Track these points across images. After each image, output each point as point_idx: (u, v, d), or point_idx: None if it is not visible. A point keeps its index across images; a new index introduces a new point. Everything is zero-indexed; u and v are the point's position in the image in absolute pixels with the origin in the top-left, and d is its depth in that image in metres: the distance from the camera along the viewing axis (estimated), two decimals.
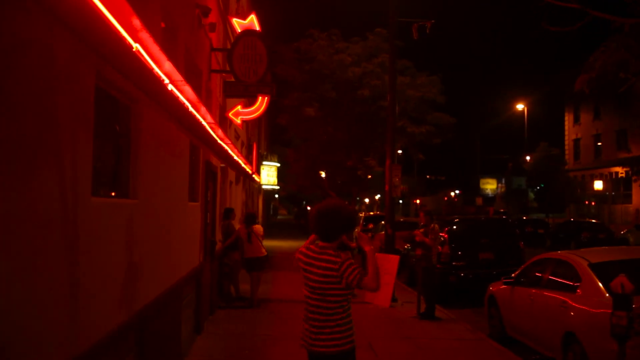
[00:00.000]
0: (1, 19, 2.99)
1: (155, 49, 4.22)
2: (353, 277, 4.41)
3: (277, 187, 45.70)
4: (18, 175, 3.19)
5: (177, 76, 4.97)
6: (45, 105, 3.55)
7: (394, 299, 13.36)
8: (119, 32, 3.49)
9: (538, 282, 9.32)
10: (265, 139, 44.24)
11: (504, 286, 10.38)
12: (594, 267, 8.05)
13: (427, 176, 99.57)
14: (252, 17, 12.87)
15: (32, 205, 3.35)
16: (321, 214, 4.66)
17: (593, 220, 35.00)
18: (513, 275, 10.35)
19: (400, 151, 29.65)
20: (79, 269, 4.07)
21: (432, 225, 12.28)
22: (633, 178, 42.12)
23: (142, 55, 4.00)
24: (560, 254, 9.48)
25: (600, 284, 7.59)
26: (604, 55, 5.59)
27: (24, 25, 3.24)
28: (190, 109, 5.94)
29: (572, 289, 8.12)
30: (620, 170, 47.19)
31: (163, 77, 4.60)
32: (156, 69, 4.37)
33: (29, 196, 3.31)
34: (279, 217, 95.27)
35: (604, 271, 7.81)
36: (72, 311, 4.00)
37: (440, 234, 14.67)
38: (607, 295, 7.11)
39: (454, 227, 15.74)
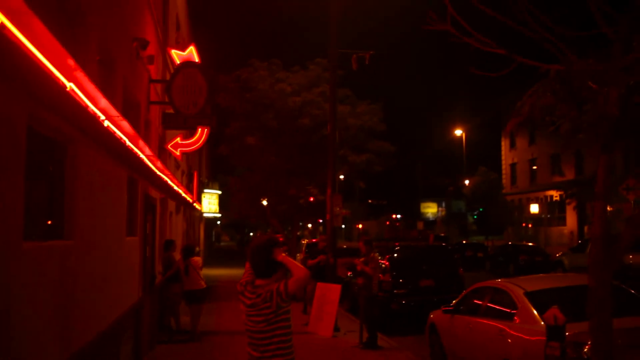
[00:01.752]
0: None
1: (91, 86, 4.19)
2: (278, 290, 4.50)
3: (219, 215, 45.37)
4: None
5: (114, 112, 4.94)
6: None
7: (336, 329, 13.38)
8: (52, 73, 3.47)
9: (477, 311, 9.48)
10: (207, 166, 43.97)
11: (444, 314, 10.51)
12: (529, 295, 8.24)
13: (369, 201, 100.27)
14: (191, 49, 12.86)
15: None
16: (252, 252, 4.78)
17: (530, 244, 35.86)
18: (453, 303, 10.49)
19: (342, 176, 29.81)
20: (9, 319, 3.96)
21: (372, 254, 12.37)
22: (567, 201, 43.38)
23: (77, 94, 3.97)
24: (497, 282, 9.67)
25: (536, 312, 7.76)
26: (531, 99, 5.83)
27: None
28: (128, 143, 5.89)
29: (509, 317, 8.29)
30: (554, 194, 48.57)
31: (99, 113, 4.57)
32: (91, 107, 4.34)
33: None
34: (222, 243, 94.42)
35: (539, 299, 8.01)
36: None
37: (381, 261, 14.81)
38: (542, 323, 7.29)
39: (395, 254, 15.88)
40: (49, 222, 5.41)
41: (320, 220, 61.65)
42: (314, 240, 27.87)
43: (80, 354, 5.79)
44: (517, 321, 8.06)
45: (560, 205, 48.31)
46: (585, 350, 6.67)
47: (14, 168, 4.08)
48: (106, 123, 4.83)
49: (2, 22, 2.76)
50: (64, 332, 5.32)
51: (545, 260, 30.38)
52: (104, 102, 4.55)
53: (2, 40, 2.86)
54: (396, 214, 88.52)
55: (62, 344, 5.26)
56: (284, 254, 4.74)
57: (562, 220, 48.85)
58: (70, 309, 5.50)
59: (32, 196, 4.69)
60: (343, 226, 69.89)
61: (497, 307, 8.91)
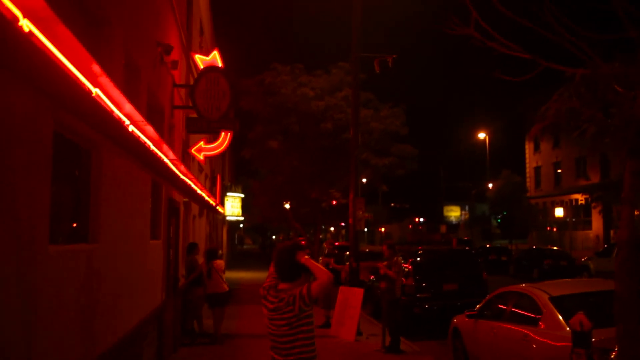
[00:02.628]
0: None
1: (116, 92, 4.23)
2: (301, 294, 4.51)
3: (242, 218, 45.51)
4: None
5: (138, 117, 4.98)
6: None
7: (359, 333, 13.35)
8: (78, 79, 3.50)
9: (501, 315, 9.41)
10: (230, 169, 44.16)
11: (467, 319, 10.44)
12: (554, 300, 8.16)
13: (392, 204, 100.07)
14: (214, 54, 12.92)
15: None
16: (276, 256, 4.83)
17: (555, 248, 35.52)
18: (476, 307, 10.42)
19: (364, 180, 29.76)
20: (37, 321, 4.01)
21: (395, 258, 12.35)
22: (592, 205, 42.93)
23: (102, 100, 4.00)
24: (521, 287, 9.58)
25: (561, 318, 7.69)
26: (556, 104, 5.77)
27: None
28: (152, 147, 5.93)
29: (534, 322, 8.22)
30: (580, 198, 48.10)
31: (124, 118, 4.61)
32: (116, 112, 4.37)
33: None
34: (244, 246, 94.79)
35: (564, 304, 7.94)
36: None
37: (404, 265, 14.75)
38: (568, 329, 7.21)
39: (418, 258, 15.82)
40: (74, 226, 5.47)
41: (343, 224, 61.63)
42: (336, 243, 27.83)
43: (104, 356, 5.84)
44: (542, 327, 7.98)
45: (586, 209, 47.84)
46: (612, 357, 6.59)
47: (41, 173, 4.14)
48: (131, 128, 4.86)
49: (30, 30, 2.79)
50: (88, 335, 5.36)
51: (571, 265, 30.06)
52: (128, 107, 4.59)
53: (29, 47, 2.89)
54: (419, 218, 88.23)
55: (86, 347, 5.31)
56: (307, 257, 4.75)
57: (588, 224, 48.34)
58: (95, 311, 5.55)
59: (58, 200, 4.75)
60: (366, 230, 69.82)
61: (522, 312, 8.83)
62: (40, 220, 4.10)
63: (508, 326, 8.94)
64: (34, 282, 3.98)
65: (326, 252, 12.54)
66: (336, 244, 26.32)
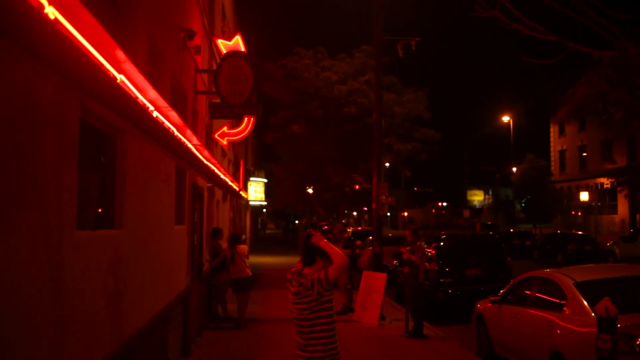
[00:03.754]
0: None
1: (140, 78, 4.24)
2: (319, 278, 4.61)
3: (265, 203, 45.67)
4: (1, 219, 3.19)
5: (162, 102, 5.00)
6: (29, 147, 3.56)
7: (382, 317, 13.38)
8: (103, 65, 3.51)
9: (525, 301, 9.36)
10: (253, 154, 44.25)
11: (491, 304, 10.41)
12: (579, 285, 8.09)
13: (415, 188, 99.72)
14: (237, 39, 12.92)
15: (15, 247, 3.35)
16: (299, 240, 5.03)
17: (580, 232, 35.20)
18: (500, 293, 10.38)
19: (387, 164, 29.71)
20: (65, 307, 4.07)
21: (419, 243, 12.33)
22: (618, 189, 42.44)
23: (127, 86, 4.02)
24: (546, 272, 9.52)
25: (586, 303, 7.63)
26: (584, 87, 5.68)
27: (4, 70, 3.25)
28: (176, 133, 5.96)
29: (559, 308, 8.16)
30: (605, 181, 47.55)
31: (148, 104, 4.63)
32: (141, 98, 4.39)
33: (12, 239, 3.31)
34: (267, 231, 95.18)
35: (589, 290, 7.87)
36: (60, 349, 3.99)
37: (428, 250, 14.73)
38: (593, 314, 7.16)
39: (441, 243, 15.77)
40: (100, 212, 5.53)
41: (365, 208, 61.63)
42: (358, 228, 27.77)
43: (131, 340, 5.91)
44: (567, 312, 7.93)
45: (611, 193, 47.32)
46: (638, 342, 6.54)
47: (68, 159, 4.18)
48: (155, 114, 4.89)
49: (55, 17, 2.81)
50: (116, 319, 5.43)
51: (595, 250, 29.76)
52: (152, 93, 4.60)
53: (56, 35, 2.91)
54: (442, 202, 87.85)
55: (114, 331, 5.38)
56: (325, 240, 4.79)
57: (613, 209, 47.81)
58: (121, 296, 5.62)
59: (84, 186, 4.79)
60: (388, 214, 69.72)
61: (546, 298, 8.78)
62: (68, 206, 4.15)
63: (532, 311, 8.89)
64: (63, 267, 4.04)
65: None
66: (358, 229, 26.28)
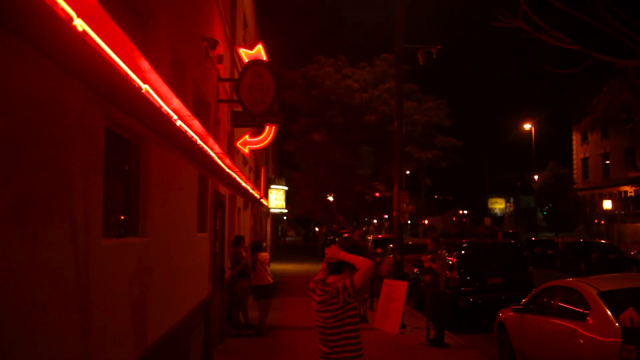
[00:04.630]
0: (12, 77, 3.06)
1: (164, 87, 4.31)
2: (344, 286, 4.57)
3: (285, 211, 45.75)
4: (29, 229, 3.25)
5: (185, 111, 5.06)
6: (56, 157, 3.62)
7: (402, 326, 13.34)
8: (128, 75, 3.58)
9: (547, 310, 9.29)
10: (274, 162, 44.38)
11: (512, 313, 10.34)
12: (603, 295, 8.01)
13: (435, 196, 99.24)
14: (259, 47, 13.01)
15: (45, 256, 3.40)
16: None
17: (602, 241, 34.78)
18: (522, 302, 10.31)
19: (408, 172, 29.65)
20: (92, 313, 4.12)
21: (440, 251, 12.30)
22: None
23: (151, 96, 4.09)
24: (569, 281, 9.44)
25: (610, 313, 7.56)
26: (608, 96, 5.65)
27: (35, 81, 3.31)
28: (199, 141, 6.04)
29: (582, 318, 8.09)
30: (629, 189, 47.04)
31: (171, 113, 4.70)
32: (165, 107, 4.46)
33: (42, 247, 3.36)
34: (287, 238, 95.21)
35: (613, 299, 7.79)
36: (87, 355, 4.05)
37: (449, 259, 14.68)
38: (617, 324, 7.09)
39: (463, 251, 15.71)
40: (125, 220, 5.59)
41: (386, 216, 61.45)
42: (379, 236, 27.72)
43: (154, 348, 5.96)
44: (590, 322, 7.86)
45: (635, 201, 46.77)
46: None
47: (94, 168, 4.24)
48: (178, 123, 4.96)
49: (83, 30, 2.86)
50: (140, 327, 5.48)
51: (619, 259, 29.38)
52: (176, 102, 4.67)
53: (84, 47, 2.97)
54: (462, 210, 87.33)
55: (138, 338, 5.43)
56: (342, 252, 4.77)
57: (637, 217, 47.21)
58: (145, 304, 5.67)
59: (109, 195, 4.85)
60: (409, 222, 69.45)
61: (569, 307, 8.70)
62: (95, 214, 4.21)
63: (555, 321, 8.82)
64: (90, 274, 4.09)
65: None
66: (379, 237, 26.21)
